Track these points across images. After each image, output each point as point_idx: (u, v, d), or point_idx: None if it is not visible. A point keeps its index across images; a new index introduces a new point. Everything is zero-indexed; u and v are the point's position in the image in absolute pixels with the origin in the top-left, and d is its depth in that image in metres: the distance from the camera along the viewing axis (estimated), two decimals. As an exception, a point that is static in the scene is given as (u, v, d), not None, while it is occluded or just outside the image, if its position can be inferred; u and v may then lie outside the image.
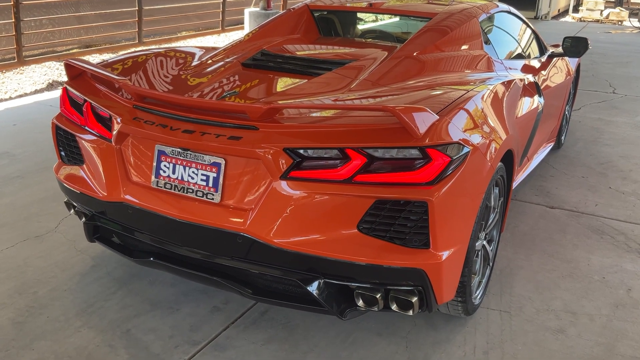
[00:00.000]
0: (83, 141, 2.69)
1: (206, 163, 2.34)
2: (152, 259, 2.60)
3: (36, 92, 7.03)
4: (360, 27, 4.19)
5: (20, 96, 6.81)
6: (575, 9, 19.53)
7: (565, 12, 19.42)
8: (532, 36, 4.43)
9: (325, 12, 4.00)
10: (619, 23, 16.88)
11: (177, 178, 2.40)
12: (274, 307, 2.82)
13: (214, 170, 2.33)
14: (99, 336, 2.61)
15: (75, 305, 2.82)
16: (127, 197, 2.50)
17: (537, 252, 3.47)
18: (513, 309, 2.90)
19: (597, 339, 2.71)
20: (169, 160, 2.42)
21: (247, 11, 10.79)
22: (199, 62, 3.22)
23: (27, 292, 2.91)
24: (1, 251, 3.28)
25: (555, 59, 4.47)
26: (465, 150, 2.26)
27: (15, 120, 5.69)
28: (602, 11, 17.49)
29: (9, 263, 3.16)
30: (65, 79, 7.39)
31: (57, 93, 6.88)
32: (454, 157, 2.19)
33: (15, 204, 3.85)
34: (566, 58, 4.73)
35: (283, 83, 2.88)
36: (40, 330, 2.64)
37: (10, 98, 6.72)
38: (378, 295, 2.26)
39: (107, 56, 9.04)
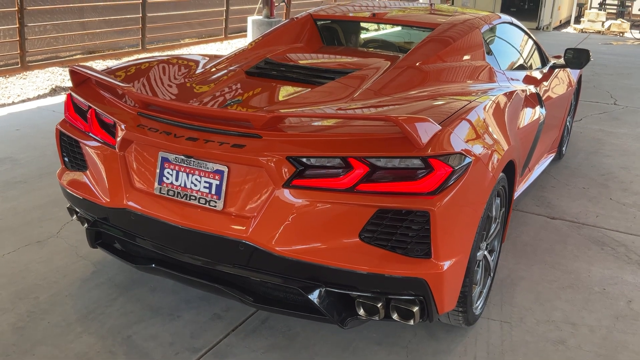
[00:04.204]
0: (87, 147, 2.70)
1: (209, 170, 2.35)
2: (153, 265, 2.60)
3: (39, 97, 7.06)
4: (363, 36, 4.21)
5: (24, 101, 6.84)
6: (577, 20, 19.59)
7: (566, 23, 19.47)
8: (534, 47, 4.45)
9: (329, 22, 4.02)
10: (621, 34, 16.92)
11: (180, 185, 2.41)
12: (274, 315, 2.82)
13: (216, 177, 2.34)
14: (99, 342, 2.61)
15: (76, 311, 2.82)
16: (130, 203, 2.51)
17: (538, 263, 3.47)
18: (514, 320, 2.90)
19: (597, 350, 2.70)
20: (172, 167, 2.43)
21: (250, 19, 10.84)
22: (202, 69, 3.23)
23: (28, 297, 2.91)
24: (3, 256, 3.28)
25: (556, 70, 4.49)
26: (467, 160, 2.27)
27: (18, 125, 5.71)
28: (603, 22, 17.53)
29: (11, 268, 3.17)
30: (68, 84, 7.43)
31: (59, 98, 6.91)
32: (456, 168, 2.20)
33: (18, 209, 3.86)
34: (568, 69, 4.75)
35: (286, 92, 2.90)
36: (41, 336, 2.64)
37: (14, 103, 6.74)
38: (379, 305, 2.27)
39: (110, 62, 9.08)
